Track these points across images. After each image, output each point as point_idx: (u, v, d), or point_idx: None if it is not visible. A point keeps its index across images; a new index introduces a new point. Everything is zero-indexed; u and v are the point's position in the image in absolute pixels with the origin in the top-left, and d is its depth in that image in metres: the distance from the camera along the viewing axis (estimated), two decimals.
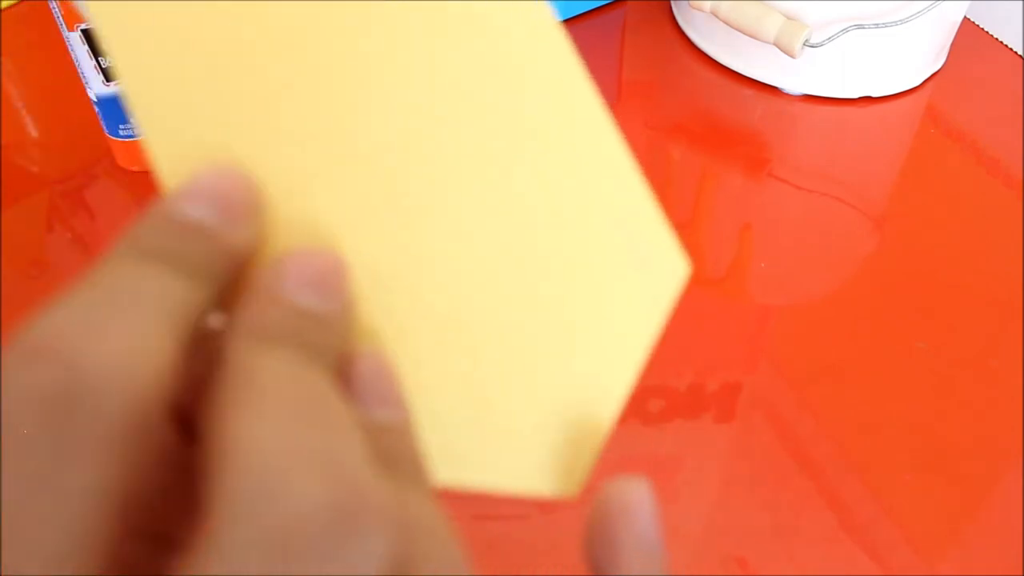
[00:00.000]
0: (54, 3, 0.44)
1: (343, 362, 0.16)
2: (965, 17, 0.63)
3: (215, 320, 0.16)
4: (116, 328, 0.13)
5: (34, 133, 0.56)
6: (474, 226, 0.17)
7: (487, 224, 0.18)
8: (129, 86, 0.15)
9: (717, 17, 0.56)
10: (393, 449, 0.16)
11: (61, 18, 0.45)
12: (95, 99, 0.48)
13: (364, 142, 0.16)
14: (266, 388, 0.13)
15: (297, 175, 0.16)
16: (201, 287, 0.15)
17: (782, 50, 0.54)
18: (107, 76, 0.47)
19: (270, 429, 0.13)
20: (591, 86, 0.18)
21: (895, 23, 0.53)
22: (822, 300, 0.46)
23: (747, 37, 0.55)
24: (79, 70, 0.47)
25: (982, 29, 0.63)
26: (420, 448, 0.17)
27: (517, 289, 0.18)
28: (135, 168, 0.51)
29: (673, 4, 0.66)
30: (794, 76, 0.57)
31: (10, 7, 0.63)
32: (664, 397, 0.41)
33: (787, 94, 0.58)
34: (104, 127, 0.49)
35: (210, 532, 0.12)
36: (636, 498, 0.17)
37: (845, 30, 0.53)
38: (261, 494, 0.12)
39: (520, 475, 0.18)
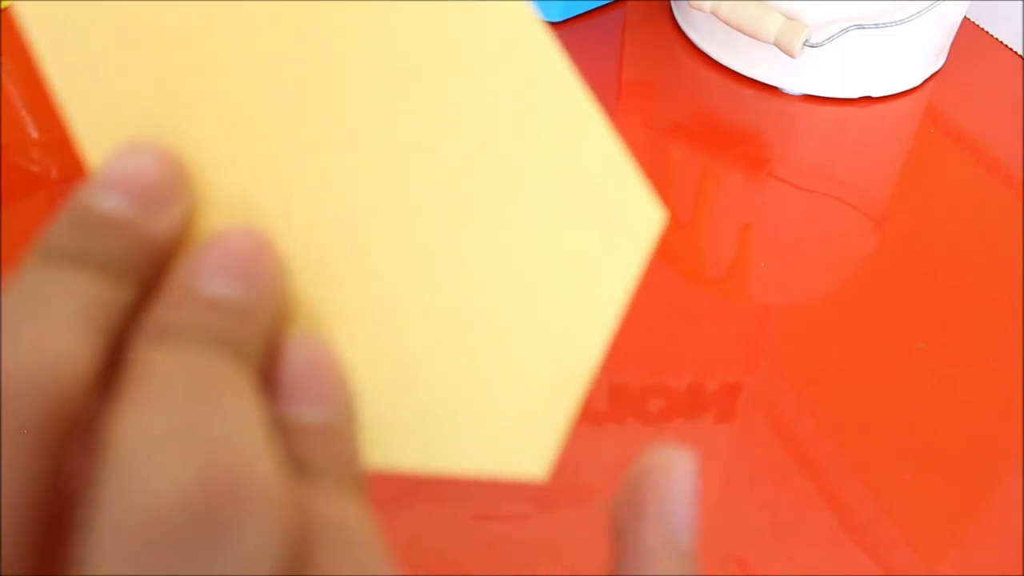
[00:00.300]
0: None
1: (273, 354, 0.15)
2: (965, 17, 0.63)
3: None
4: (30, 338, 0.12)
5: (34, 133, 0.56)
6: (432, 191, 0.16)
7: (445, 189, 0.16)
8: (50, 64, 0.14)
9: (717, 17, 0.56)
10: (316, 448, 0.15)
11: None
12: None
13: (308, 119, 0.16)
14: (153, 380, 0.13)
15: (233, 155, 0.15)
16: (121, 286, 0.14)
17: (782, 50, 0.54)
18: None
19: (145, 416, 0.12)
20: (556, 50, 0.17)
21: (895, 23, 0.53)
22: (822, 300, 0.46)
23: (747, 37, 0.55)
24: None
25: (982, 29, 0.63)
26: (352, 450, 0.16)
27: (487, 261, 0.17)
28: None
29: (673, 4, 0.66)
30: (794, 76, 0.57)
31: (10, 7, 0.63)
32: (664, 397, 0.41)
33: (787, 94, 0.58)
34: None
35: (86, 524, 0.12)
36: (677, 471, 0.16)
37: (845, 30, 0.53)
38: (123, 478, 0.11)
39: (488, 456, 0.17)
